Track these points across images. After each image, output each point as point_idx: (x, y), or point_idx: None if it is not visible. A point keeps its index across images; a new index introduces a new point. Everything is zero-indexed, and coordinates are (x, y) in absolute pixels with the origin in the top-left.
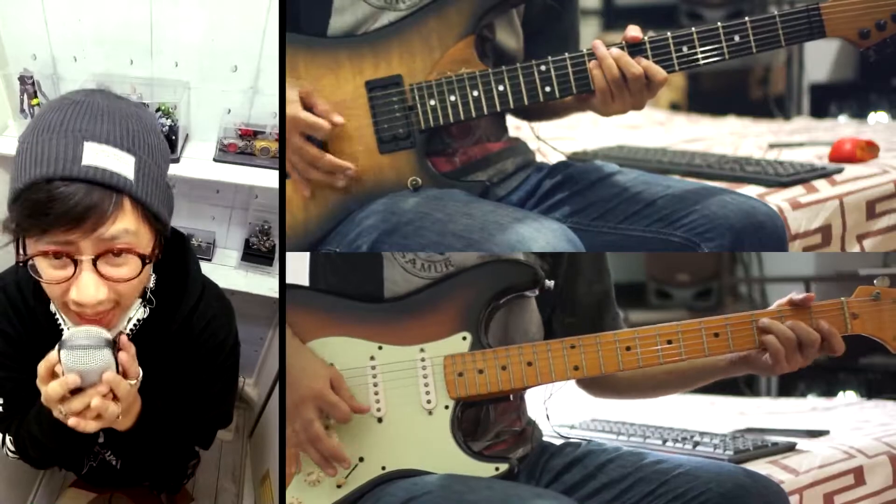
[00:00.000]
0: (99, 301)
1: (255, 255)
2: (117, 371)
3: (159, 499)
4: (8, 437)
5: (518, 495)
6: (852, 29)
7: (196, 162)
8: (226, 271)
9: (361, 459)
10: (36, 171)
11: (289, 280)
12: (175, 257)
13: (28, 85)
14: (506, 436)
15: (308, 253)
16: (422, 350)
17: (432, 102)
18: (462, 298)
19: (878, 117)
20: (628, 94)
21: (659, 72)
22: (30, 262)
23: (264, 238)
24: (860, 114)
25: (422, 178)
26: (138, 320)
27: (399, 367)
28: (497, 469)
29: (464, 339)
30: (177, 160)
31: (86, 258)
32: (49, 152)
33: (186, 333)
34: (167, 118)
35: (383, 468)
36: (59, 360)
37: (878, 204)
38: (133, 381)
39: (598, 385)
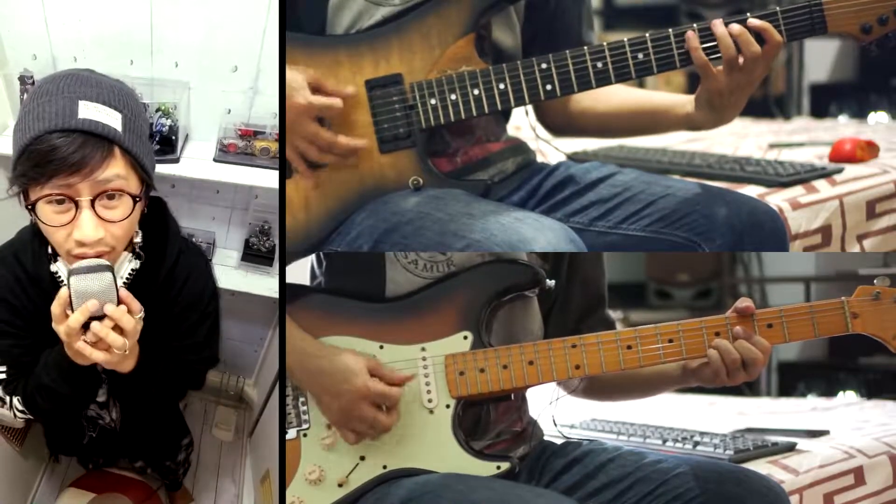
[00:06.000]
0: (98, 239)
1: (254, 255)
2: (118, 304)
3: (159, 498)
4: (15, 398)
5: (519, 495)
6: (854, 24)
7: (196, 162)
8: (226, 271)
9: (363, 458)
10: (39, 125)
11: (291, 283)
12: (156, 218)
13: (28, 85)
14: (506, 435)
15: (311, 257)
16: (423, 349)
17: (433, 101)
18: (463, 298)
19: (878, 117)
20: (739, 71)
21: (774, 34)
22: (34, 210)
23: (264, 238)
24: (860, 114)
25: (423, 177)
26: (132, 270)
27: (400, 367)
28: (498, 468)
29: (465, 338)
30: (177, 160)
31: (85, 199)
32: (50, 110)
33: (171, 285)
34: (167, 118)
35: (384, 467)
36: (70, 293)
37: (878, 204)
38: (138, 315)
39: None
